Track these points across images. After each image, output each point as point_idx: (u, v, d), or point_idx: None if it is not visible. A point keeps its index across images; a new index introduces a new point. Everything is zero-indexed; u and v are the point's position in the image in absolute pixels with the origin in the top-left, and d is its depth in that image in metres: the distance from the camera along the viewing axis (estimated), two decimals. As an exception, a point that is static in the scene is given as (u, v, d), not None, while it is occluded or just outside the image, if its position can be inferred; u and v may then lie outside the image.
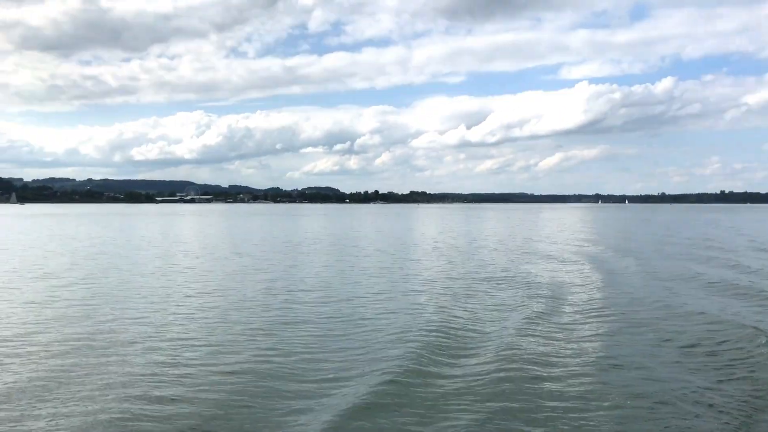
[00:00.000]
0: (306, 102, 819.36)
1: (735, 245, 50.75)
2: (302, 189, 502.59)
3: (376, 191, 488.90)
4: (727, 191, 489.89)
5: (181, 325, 18.42)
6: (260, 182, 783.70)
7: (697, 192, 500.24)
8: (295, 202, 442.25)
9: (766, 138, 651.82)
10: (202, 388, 12.37)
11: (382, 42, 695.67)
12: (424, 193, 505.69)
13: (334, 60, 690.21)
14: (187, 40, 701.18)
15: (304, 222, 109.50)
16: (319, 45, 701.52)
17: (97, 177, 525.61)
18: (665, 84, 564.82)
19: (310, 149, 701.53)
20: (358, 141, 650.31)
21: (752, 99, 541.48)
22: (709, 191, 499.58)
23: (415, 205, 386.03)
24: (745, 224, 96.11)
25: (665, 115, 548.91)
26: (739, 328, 17.17)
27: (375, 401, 11.31)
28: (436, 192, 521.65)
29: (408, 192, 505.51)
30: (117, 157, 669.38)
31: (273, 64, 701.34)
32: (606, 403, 11.42)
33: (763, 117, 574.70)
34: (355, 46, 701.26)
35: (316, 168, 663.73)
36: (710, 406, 11.25)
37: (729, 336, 16.38)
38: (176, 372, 13.46)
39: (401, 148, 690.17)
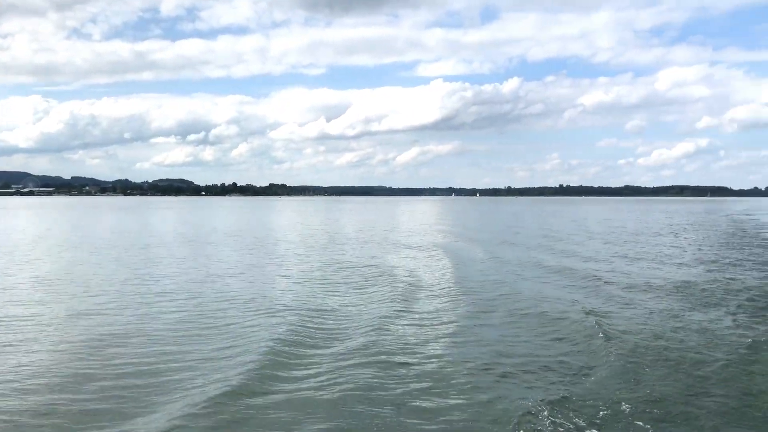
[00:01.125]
0: (157, 89, 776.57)
1: (571, 234, 55.77)
2: (154, 181, 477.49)
3: (234, 183, 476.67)
4: (565, 185, 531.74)
5: (10, 328, 17.10)
6: (107, 174, 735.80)
7: (539, 186, 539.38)
8: (146, 194, 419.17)
9: (598, 136, 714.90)
10: (32, 395, 11.71)
11: (239, 30, 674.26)
12: (284, 185, 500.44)
13: (189, 46, 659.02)
14: (21, 17, 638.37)
15: (158, 216, 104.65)
16: (172, 30, 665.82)
17: None
18: (512, 84, 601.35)
19: (161, 139, 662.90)
20: (214, 131, 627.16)
21: (587, 100, 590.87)
22: (549, 185, 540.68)
23: (277, 197, 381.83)
24: (580, 215, 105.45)
25: (511, 113, 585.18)
26: (571, 307, 19.10)
27: (227, 403, 11.10)
28: (297, 184, 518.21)
29: (267, 184, 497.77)
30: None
31: (121, 48, 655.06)
32: (459, 381, 12.32)
33: (596, 117, 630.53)
34: (211, 33, 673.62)
35: (168, 159, 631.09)
36: (549, 369, 12.58)
37: (563, 314, 18.16)
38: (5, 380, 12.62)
39: (259, 139, 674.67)
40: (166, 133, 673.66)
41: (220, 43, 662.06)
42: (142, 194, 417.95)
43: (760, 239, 48.06)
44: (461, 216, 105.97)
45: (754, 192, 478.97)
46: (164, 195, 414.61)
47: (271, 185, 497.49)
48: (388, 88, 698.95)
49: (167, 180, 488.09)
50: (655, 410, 10.64)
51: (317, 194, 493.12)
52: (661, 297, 21.59)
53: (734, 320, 17.68)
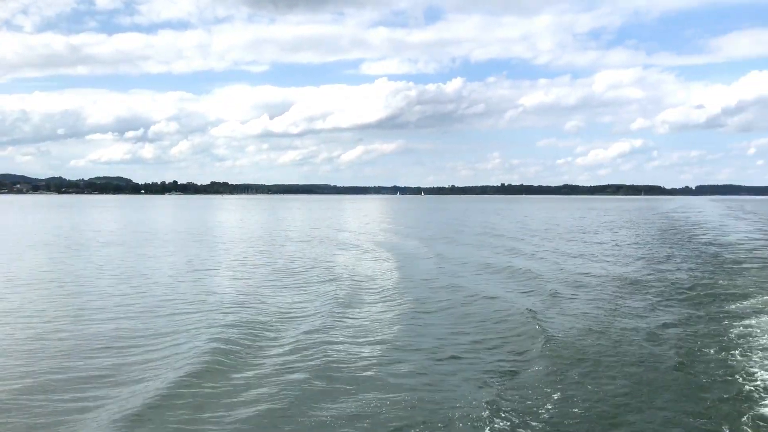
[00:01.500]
0: (94, 84, 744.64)
1: (513, 231, 57.49)
2: (90, 179, 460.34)
3: (175, 182, 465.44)
4: (506, 184, 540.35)
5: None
6: (39, 171, 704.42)
7: (481, 184, 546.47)
8: (83, 192, 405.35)
9: (538, 136, 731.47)
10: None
11: (180, 25, 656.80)
12: (226, 183, 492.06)
13: (127, 41, 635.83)
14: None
15: (92, 214, 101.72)
16: (109, 24, 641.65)
17: None
18: (455, 84, 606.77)
19: (97, 136, 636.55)
20: (153, 128, 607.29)
21: (527, 101, 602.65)
22: (491, 184, 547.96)
23: (219, 196, 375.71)
24: (522, 213, 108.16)
25: (455, 113, 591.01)
26: (512, 306, 19.61)
27: (159, 405, 10.99)
28: (239, 183, 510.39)
29: (209, 183, 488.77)
30: None
31: (54, 41, 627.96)
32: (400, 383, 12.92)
33: (536, 117, 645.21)
34: (151, 28, 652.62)
35: (104, 156, 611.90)
36: (492, 355, 13.39)
37: (505, 313, 18.61)
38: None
39: (200, 137, 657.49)
40: (103, 130, 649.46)
41: (160, 38, 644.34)
42: (78, 192, 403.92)
43: (690, 235, 50.74)
44: (408, 214, 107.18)
45: (685, 191, 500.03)
46: (102, 193, 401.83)
47: (213, 183, 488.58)
48: (332, 86, 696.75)
49: (104, 178, 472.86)
50: (588, 386, 11.61)
51: (260, 193, 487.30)
52: (597, 290, 22.78)
53: (660, 306, 19.12)
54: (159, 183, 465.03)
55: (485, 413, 10.27)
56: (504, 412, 10.42)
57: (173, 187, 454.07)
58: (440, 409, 10.73)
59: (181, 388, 11.71)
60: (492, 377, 12.23)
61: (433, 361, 13.45)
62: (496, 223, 73.88)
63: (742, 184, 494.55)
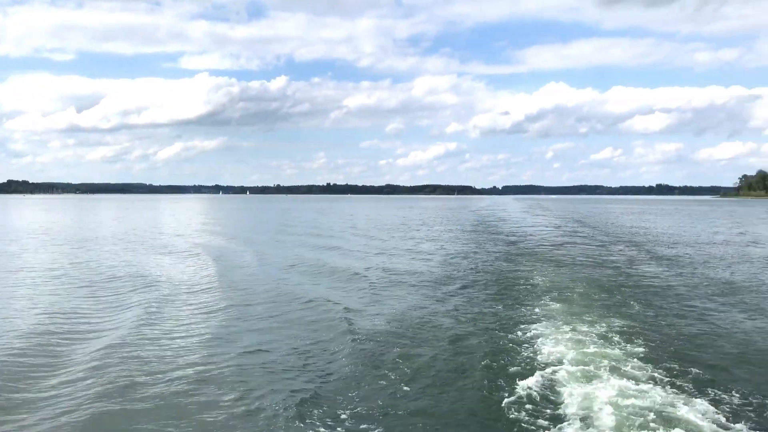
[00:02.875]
0: None
1: (337, 230, 58.23)
2: None
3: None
4: (332, 183, 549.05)
5: None
6: None
7: (307, 184, 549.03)
8: None
9: (362, 137, 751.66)
10: None
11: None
12: (26, 182, 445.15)
13: None
14: None
15: None
16: None
17: None
18: (279, 82, 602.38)
19: None
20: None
21: (351, 102, 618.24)
22: (317, 183, 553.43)
23: (20, 195, 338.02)
24: (346, 212, 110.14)
25: (279, 111, 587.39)
26: (330, 307, 19.51)
27: None
28: (41, 181, 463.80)
29: (5, 181, 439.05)
30: None
31: None
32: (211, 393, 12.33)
33: (359, 119, 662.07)
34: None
35: None
36: (305, 369, 13.20)
37: (323, 314, 18.49)
38: None
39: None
40: None
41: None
42: None
43: (496, 229, 54.93)
44: (230, 215, 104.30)
45: (493, 191, 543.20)
46: None
47: (10, 182, 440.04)
48: (149, 80, 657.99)
49: None
50: (397, 386, 11.86)
51: (67, 192, 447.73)
52: (414, 286, 23.55)
53: (468, 293, 20.40)
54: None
55: (295, 419, 10.02)
56: (313, 416, 10.26)
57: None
58: (248, 416, 10.33)
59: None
60: (305, 381, 12.04)
61: (245, 369, 12.90)
62: (321, 222, 74.39)
63: (541, 185, 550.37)
